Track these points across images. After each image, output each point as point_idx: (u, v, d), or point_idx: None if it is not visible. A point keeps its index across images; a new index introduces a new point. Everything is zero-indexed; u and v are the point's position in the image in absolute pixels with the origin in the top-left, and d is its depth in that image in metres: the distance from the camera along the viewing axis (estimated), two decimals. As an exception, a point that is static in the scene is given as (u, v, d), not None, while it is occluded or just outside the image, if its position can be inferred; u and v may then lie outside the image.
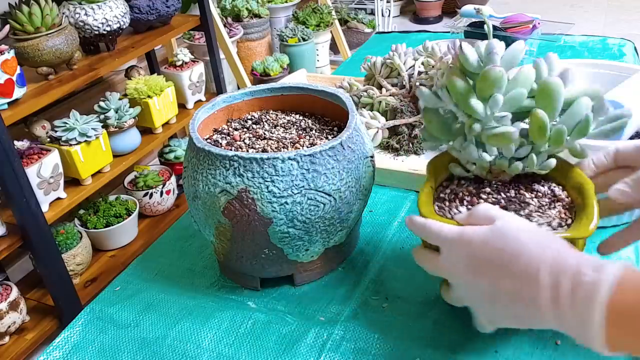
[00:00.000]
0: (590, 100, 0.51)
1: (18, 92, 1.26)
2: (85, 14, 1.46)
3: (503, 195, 0.57)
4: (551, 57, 0.54)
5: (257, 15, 2.59)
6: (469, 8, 1.26)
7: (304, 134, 0.70)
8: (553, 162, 0.55)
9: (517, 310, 0.46)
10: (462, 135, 0.57)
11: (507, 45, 0.54)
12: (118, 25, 1.52)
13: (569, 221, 0.53)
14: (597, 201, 0.52)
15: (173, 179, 1.91)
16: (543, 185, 0.58)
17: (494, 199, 0.56)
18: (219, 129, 0.72)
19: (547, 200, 0.56)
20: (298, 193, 0.58)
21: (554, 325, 0.44)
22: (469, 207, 0.56)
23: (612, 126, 0.52)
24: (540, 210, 0.55)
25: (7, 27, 1.28)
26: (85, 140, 1.46)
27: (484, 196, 0.57)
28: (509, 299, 0.46)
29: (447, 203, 0.58)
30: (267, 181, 0.57)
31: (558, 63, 0.54)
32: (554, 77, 0.51)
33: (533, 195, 0.57)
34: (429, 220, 0.52)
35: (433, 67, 0.94)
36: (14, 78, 1.24)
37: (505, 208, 0.55)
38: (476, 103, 0.52)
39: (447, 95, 0.56)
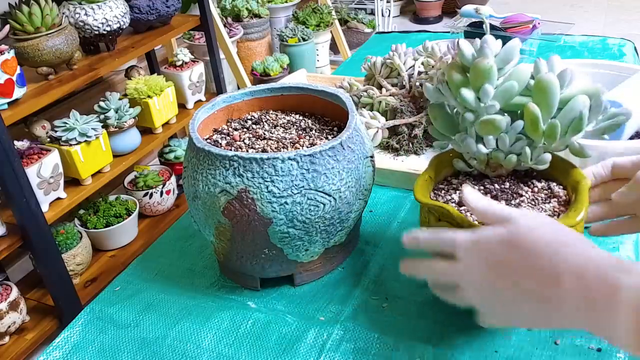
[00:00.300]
0: (589, 98, 0.52)
1: (18, 92, 1.26)
2: (85, 14, 1.46)
3: (497, 186, 0.58)
4: (553, 58, 0.55)
5: (257, 15, 2.59)
6: (468, 8, 1.26)
7: (304, 134, 0.70)
8: (548, 156, 0.56)
9: (537, 311, 0.45)
10: (465, 130, 0.58)
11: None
12: (118, 25, 1.52)
13: (561, 215, 0.54)
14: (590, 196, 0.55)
15: (173, 179, 1.91)
16: (541, 182, 0.59)
17: (486, 189, 0.57)
18: (219, 129, 0.72)
19: (543, 195, 0.57)
20: (298, 193, 0.58)
21: (575, 327, 0.44)
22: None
23: (608, 124, 0.53)
24: (533, 203, 0.56)
25: (7, 27, 1.28)
26: (85, 140, 1.46)
27: (475, 184, 0.58)
28: (531, 300, 0.45)
29: (442, 192, 0.60)
30: (267, 181, 0.57)
31: (559, 64, 0.54)
32: (549, 74, 0.52)
33: (529, 189, 0.58)
34: (439, 230, 0.51)
35: (433, 67, 0.94)
36: (14, 78, 1.24)
37: (495, 197, 0.56)
38: (466, 92, 0.54)
39: (447, 89, 0.57)
